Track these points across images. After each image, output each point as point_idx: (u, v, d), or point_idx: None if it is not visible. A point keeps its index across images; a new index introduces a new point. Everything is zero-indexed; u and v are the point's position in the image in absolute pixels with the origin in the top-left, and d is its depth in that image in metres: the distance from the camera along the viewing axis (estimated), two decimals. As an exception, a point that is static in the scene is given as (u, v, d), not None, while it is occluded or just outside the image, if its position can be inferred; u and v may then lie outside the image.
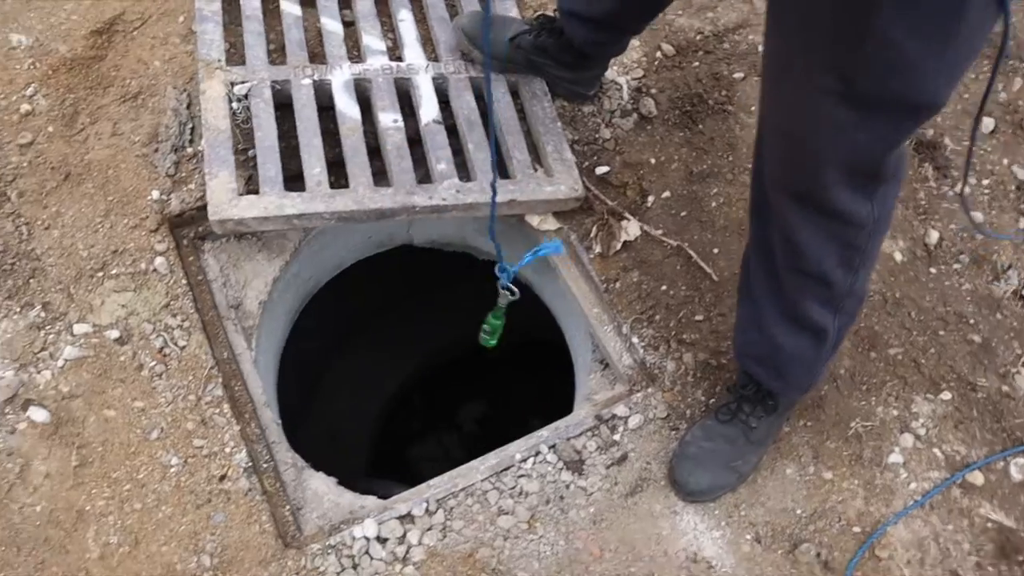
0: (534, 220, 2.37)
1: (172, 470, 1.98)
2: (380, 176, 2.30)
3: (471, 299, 4.56)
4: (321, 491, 2.12)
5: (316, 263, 2.67)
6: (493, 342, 2.18)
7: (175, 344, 2.13)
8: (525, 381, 4.77)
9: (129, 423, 2.02)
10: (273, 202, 2.14)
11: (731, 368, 2.20)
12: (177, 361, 2.11)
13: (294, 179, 2.28)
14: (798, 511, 2.03)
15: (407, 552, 1.95)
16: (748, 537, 2.00)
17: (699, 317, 2.26)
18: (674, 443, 2.11)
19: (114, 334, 2.11)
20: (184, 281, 2.23)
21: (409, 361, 4.91)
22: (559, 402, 4.62)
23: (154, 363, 2.09)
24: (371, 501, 2.13)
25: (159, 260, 2.22)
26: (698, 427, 2.05)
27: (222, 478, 1.99)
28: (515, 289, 2.05)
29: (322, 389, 4.73)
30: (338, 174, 2.29)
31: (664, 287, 2.30)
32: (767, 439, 2.04)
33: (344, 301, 3.27)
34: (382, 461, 4.69)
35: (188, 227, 2.34)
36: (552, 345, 4.64)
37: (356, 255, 2.80)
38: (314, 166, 2.22)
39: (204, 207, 2.31)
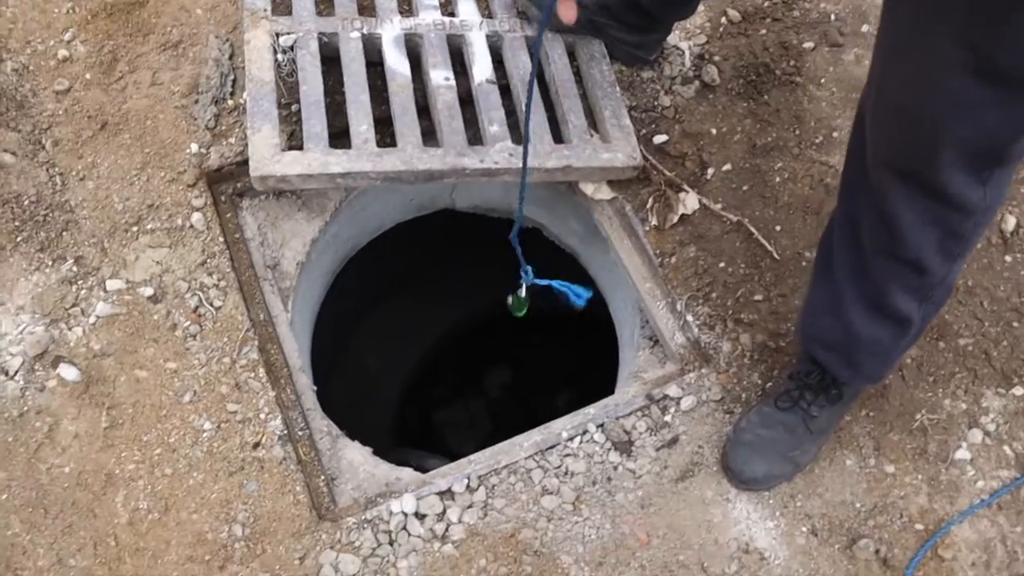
0: (588, 188, 2.24)
1: (204, 435, 1.89)
2: (429, 136, 2.17)
3: (505, 265, 4.48)
4: (356, 462, 2.03)
5: (356, 224, 2.56)
6: (520, 314, 2.08)
7: (210, 304, 2.03)
8: (557, 351, 4.67)
9: (161, 384, 1.93)
10: (317, 159, 2.02)
11: (790, 352, 2.07)
12: (212, 322, 2.01)
13: (339, 136, 2.16)
14: (857, 505, 1.91)
15: (446, 529, 1.85)
16: (804, 529, 1.89)
17: (758, 297, 2.13)
18: (728, 427, 1.99)
19: (148, 291, 2.01)
20: (221, 239, 2.12)
21: (439, 325, 4.81)
22: (592, 375, 4.53)
23: (188, 323, 2.00)
24: (408, 474, 2.03)
25: (196, 216, 2.11)
26: (755, 413, 1.93)
27: (256, 445, 1.90)
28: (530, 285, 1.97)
29: (350, 349, 4.65)
30: (385, 132, 2.17)
31: (722, 264, 2.17)
32: (828, 429, 1.92)
33: (377, 261, 3.17)
34: (407, 425, 4.62)
35: (226, 183, 2.23)
36: (589, 316, 4.56)
37: (396, 217, 2.69)
38: (361, 123, 2.10)
39: (244, 162, 2.20)
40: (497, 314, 4.98)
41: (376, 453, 2.13)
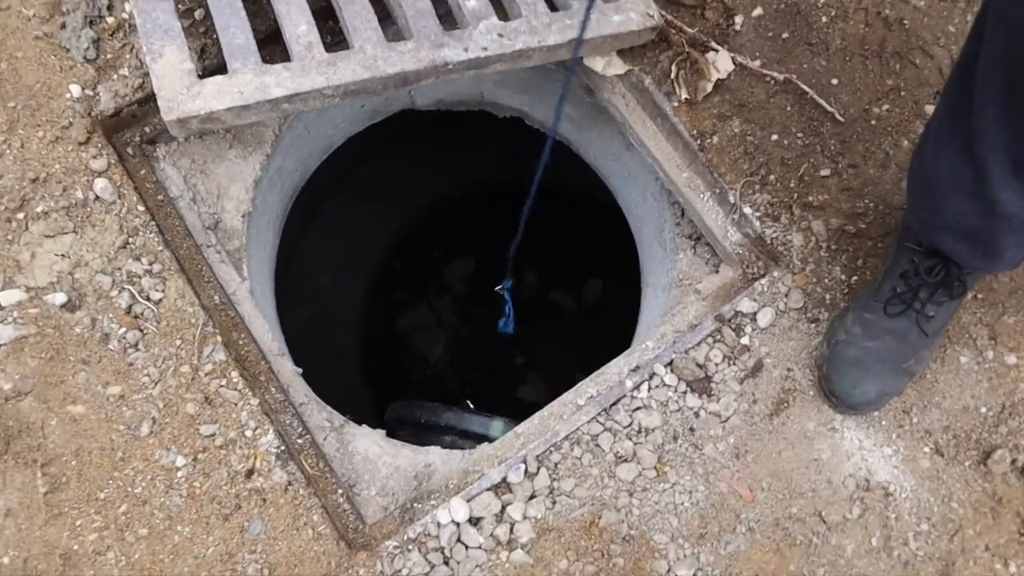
0: (597, 64, 1.73)
1: (180, 474, 1.42)
2: (389, 25, 1.62)
3: (457, 151, 3.94)
4: (372, 454, 1.59)
5: (302, 149, 2.00)
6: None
7: (147, 298, 1.50)
8: (524, 236, 4.23)
9: (106, 419, 1.43)
10: (251, 82, 1.46)
11: (872, 235, 1.67)
12: (155, 322, 1.49)
13: (269, 44, 1.59)
14: (982, 409, 1.57)
15: (511, 532, 1.46)
16: (926, 450, 1.55)
17: (824, 171, 1.70)
18: (816, 339, 1.61)
19: (59, 298, 1.46)
20: (140, 207, 1.57)
21: (387, 226, 4.30)
22: (564, 255, 4.11)
23: (123, 330, 1.48)
24: (437, 455, 1.61)
25: (100, 183, 1.54)
26: (854, 321, 1.54)
27: (249, 473, 1.44)
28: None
29: (296, 268, 4.14)
30: (332, 31, 1.60)
31: (775, 136, 1.72)
32: (944, 328, 1.55)
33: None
34: (373, 339, 4.19)
35: (130, 130, 1.64)
36: (556, 195, 4.10)
37: (348, 131, 2.13)
38: (298, 22, 1.52)
39: (147, 99, 1.62)
40: (448, 206, 4.48)
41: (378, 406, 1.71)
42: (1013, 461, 1.54)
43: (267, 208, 1.92)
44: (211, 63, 1.65)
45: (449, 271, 4.43)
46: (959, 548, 1.49)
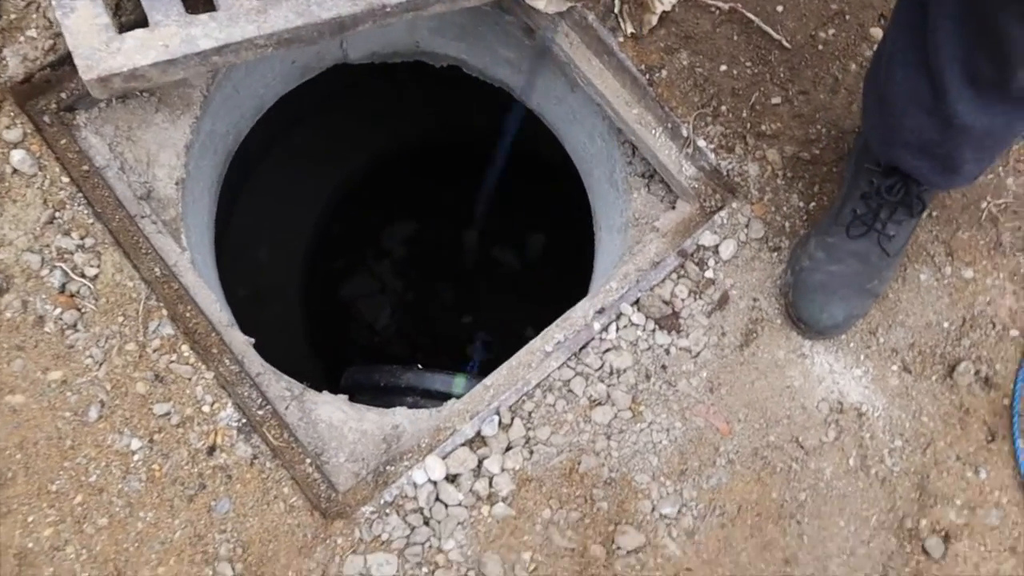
0: (538, 2, 1.65)
1: (136, 457, 1.31)
2: (318, -31, 1.51)
3: (389, 107, 3.80)
4: (336, 420, 1.51)
5: (233, 111, 1.87)
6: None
7: (81, 275, 1.38)
8: (454, 190, 4.16)
9: (50, 406, 1.31)
10: (175, 35, 1.34)
11: (827, 160, 1.64)
12: (93, 300, 1.38)
13: (188, -4, 1.47)
14: (945, 324, 1.57)
15: (490, 485, 1.40)
16: (894, 368, 1.55)
17: (776, 99, 1.66)
18: (778, 267, 1.58)
19: (-16, 280, 1.34)
20: (64, 178, 1.44)
21: (319, 191, 4.15)
22: (499, 209, 4.03)
23: (59, 311, 1.35)
24: (404, 415, 1.55)
25: (17, 155, 1.41)
26: (816, 246, 1.52)
27: (211, 450, 1.35)
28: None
29: (232, 240, 3.97)
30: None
31: (724, 67, 1.67)
32: (904, 247, 1.53)
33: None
34: (317, 309, 4.06)
35: (45, 96, 1.50)
36: (494, 149, 4.00)
37: (279, 89, 2.00)
38: (220, -31, 1.40)
39: (62, 61, 1.49)
40: (383, 165, 4.34)
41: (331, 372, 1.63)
42: (976, 372, 1.55)
43: (201, 175, 1.80)
44: (128, 19, 1.51)
45: (388, 235, 4.32)
46: (932, 460, 1.50)
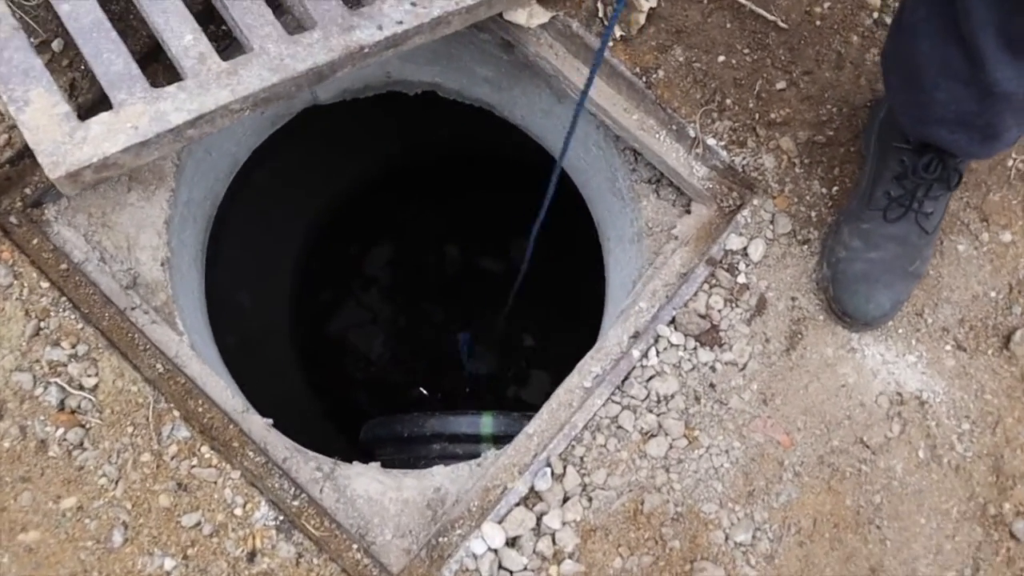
0: (519, 16, 1.53)
1: (173, 577, 1.20)
2: (282, 15, 1.38)
3: (353, 138, 3.67)
4: (374, 493, 1.40)
5: (208, 175, 1.74)
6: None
7: (80, 387, 1.25)
8: (434, 210, 4.04)
9: (68, 538, 1.19)
10: (143, 113, 1.20)
11: (843, 140, 1.55)
12: (97, 412, 1.25)
13: (147, 63, 1.34)
14: (992, 294, 1.49)
15: (554, 543, 1.30)
16: (948, 348, 1.46)
17: (780, 84, 1.56)
18: (811, 260, 1.49)
19: (-26, 412, 1.21)
20: (44, 283, 1.30)
21: (296, 229, 4.01)
22: (479, 219, 3.91)
23: (61, 430, 1.23)
24: (443, 476, 1.44)
25: (-12, 267, 1.28)
26: (851, 234, 1.43)
27: (251, 556, 1.23)
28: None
29: (213, 291, 3.84)
30: (218, 36, 1.36)
31: (722, 57, 1.57)
32: (940, 222, 1.45)
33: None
34: (308, 348, 3.93)
35: (8, 195, 1.36)
36: (470, 160, 3.87)
37: (251, 144, 1.88)
38: (182, 33, 1.27)
39: (20, 156, 1.36)
40: (353, 194, 4.20)
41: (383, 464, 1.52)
42: (1032, 339, 1.47)
43: (184, 248, 1.67)
44: (86, 99, 1.38)
45: (369, 261, 4.20)
46: (1003, 439, 1.42)
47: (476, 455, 1.91)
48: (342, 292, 4.11)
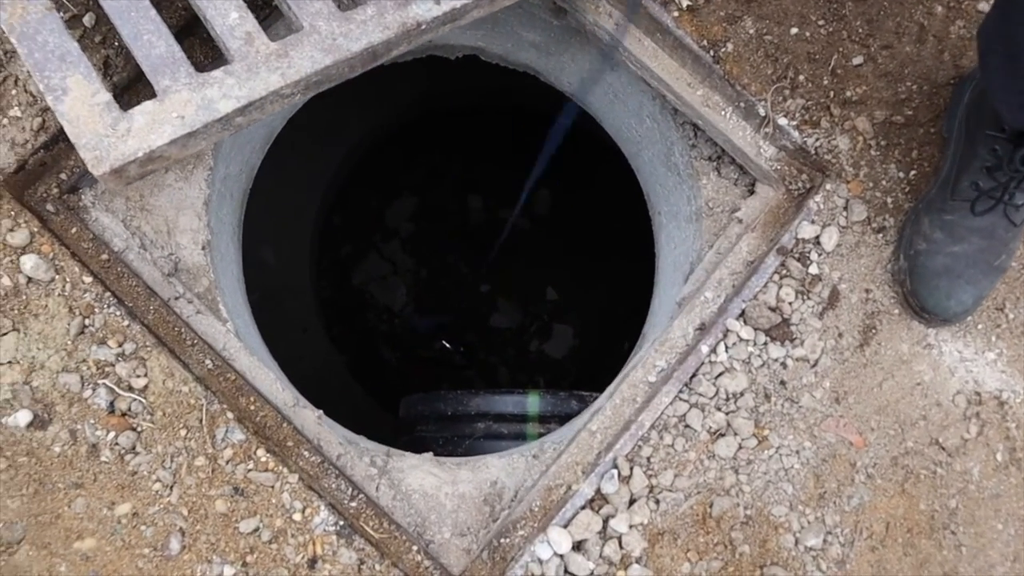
0: (583, -12, 1.42)
1: (233, 587, 1.16)
2: (332, -9, 1.27)
3: (372, 86, 3.54)
4: (429, 487, 1.35)
5: (243, 148, 1.65)
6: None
7: (129, 388, 1.19)
8: (452, 158, 3.94)
9: (125, 546, 1.14)
10: (190, 101, 1.11)
11: (922, 120, 1.45)
12: (148, 414, 1.19)
13: (182, 35, 1.24)
14: (1076, 285, 1.42)
15: (620, 547, 1.25)
16: (1029, 343, 1.39)
17: (857, 59, 1.45)
18: (886, 250, 1.40)
19: (21, 417, 1.14)
20: (86, 277, 1.23)
21: (318, 182, 3.92)
22: (500, 170, 3.81)
23: (112, 434, 1.17)
24: (495, 467, 1.39)
25: (28, 261, 1.20)
26: (932, 225, 1.34)
27: (312, 563, 1.18)
28: None
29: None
30: (257, 7, 1.25)
31: (795, 30, 1.46)
32: (1030, 211, 1.36)
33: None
34: (332, 302, 3.87)
35: (44, 181, 1.27)
36: (487, 111, 3.74)
37: (287, 113, 1.78)
38: (226, 10, 1.16)
39: (55, 140, 1.26)
40: (374, 145, 4.08)
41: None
42: (1116, 333, 1.40)
43: (223, 227, 1.59)
44: (121, 78, 1.28)
45: (391, 214, 4.11)
46: (1084, 442, 1.36)
47: (522, 434, 1.88)
48: (364, 245, 4.04)
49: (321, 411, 1.40)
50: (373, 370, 3.88)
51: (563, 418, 1.81)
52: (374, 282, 4.00)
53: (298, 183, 3.75)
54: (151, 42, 1.14)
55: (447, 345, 3.91)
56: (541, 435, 1.72)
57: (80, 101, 1.09)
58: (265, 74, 1.15)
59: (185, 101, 1.12)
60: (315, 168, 3.80)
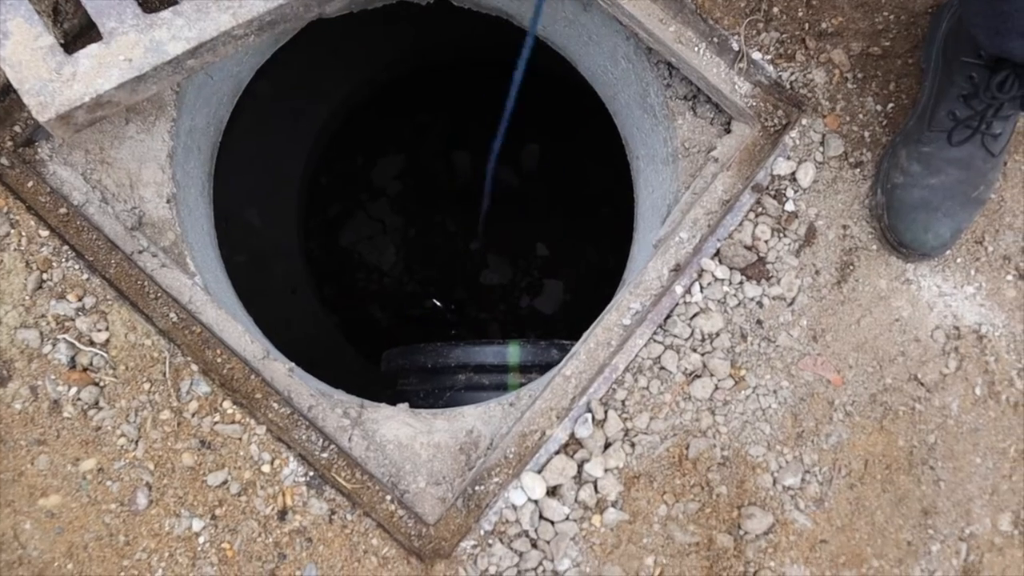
0: (547, -81, 1.36)
1: (202, 539, 1.13)
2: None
3: (354, 43, 3.46)
4: (404, 437, 1.33)
5: (209, 100, 1.60)
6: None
7: (90, 343, 1.16)
8: (436, 115, 3.87)
9: (91, 501, 1.12)
10: (137, 43, 1.07)
11: (900, 52, 1.40)
12: (111, 369, 1.16)
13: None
14: (1057, 217, 1.38)
15: (596, 491, 1.23)
16: (1009, 278, 1.35)
17: (833, -11, 1.41)
18: (863, 185, 1.36)
19: (-20, 374, 1.12)
20: (43, 230, 1.19)
21: (303, 139, 3.85)
22: (486, 126, 3.76)
23: (74, 389, 1.14)
24: (471, 416, 1.37)
25: (-19, 216, 1.16)
26: (909, 158, 1.30)
27: (282, 514, 1.16)
28: None
29: (220, 210, 3.71)
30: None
31: (769, -39, 1.41)
32: (1008, 143, 1.31)
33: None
34: (321, 263, 3.83)
35: (-6, 135, 1.24)
36: (473, 64, 3.67)
37: (254, 63, 1.72)
38: (173, -51, 1.12)
39: (5, 92, 1.21)
40: (358, 104, 4.01)
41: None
42: (1098, 266, 1.36)
43: (190, 181, 1.54)
44: (72, 25, 1.23)
45: (378, 172, 4.05)
46: (1064, 374, 1.33)
47: (503, 385, 1.85)
48: (351, 204, 3.99)
49: (293, 364, 1.38)
50: (364, 330, 3.85)
51: (544, 367, 1.78)
52: (363, 242, 3.96)
53: (283, 143, 3.69)
54: (95, -18, 1.09)
55: (437, 303, 3.88)
56: (522, 385, 1.69)
57: (22, 45, 1.05)
58: (216, 14, 1.11)
59: (133, 43, 1.07)
60: (300, 128, 3.73)
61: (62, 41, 1.08)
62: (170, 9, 1.10)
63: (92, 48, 1.06)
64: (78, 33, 1.24)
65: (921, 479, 1.28)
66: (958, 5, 1.29)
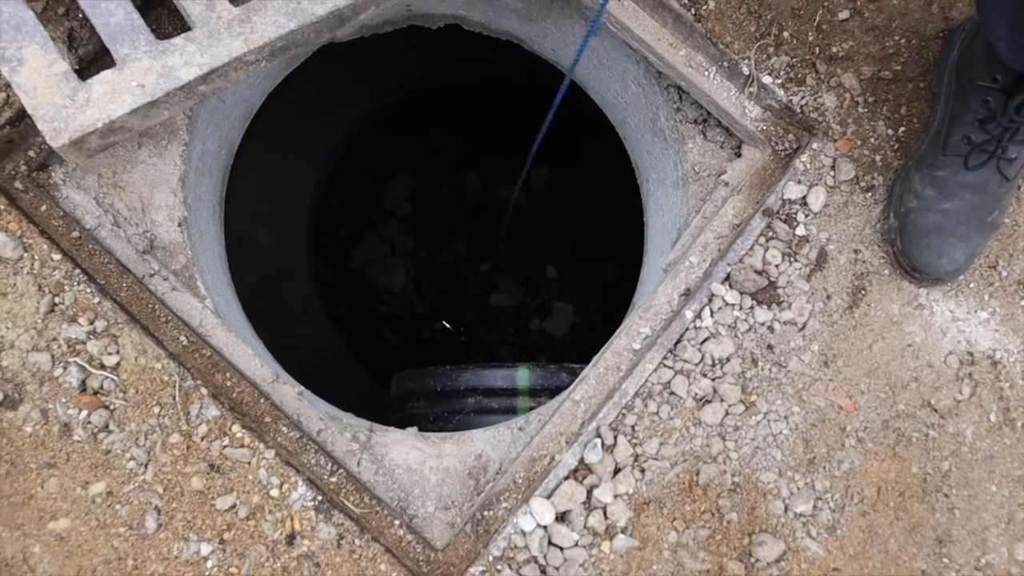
0: (557, -54, 1.38)
1: (210, 563, 1.13)
2: (299, -46, 1.23)
3: (370, 62, 3.49)
4: (413, 462, 1.33)
5: (221, 124, 1.62)
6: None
7: (101, 366, 1.17)
8: (451, 139, 3.89)
9: (100, 525, 1.12)
10: (150, 70, 1.08)
11: (911, 75, 1.40)
12: (121, 392, 1.17)
13: (150, 10, 1.21)
14: (1070, 240, 1.37)
15: (605, 517, 1.22)
16: (1023, 303, 1.35)
17: (843, 14, 1.41)
18: (875, 209, 1.36)
19: (-9, 397, 1.13)
20: (56, 254, 1.20)
21: (314, 163, 3.88)
22: (496, 149, 3.77)
23: (84, 412, 1.14)
24: (480, 440, 1.36)
25: (-5, 239, 1.18)
26: (923, 182, 1.29)
27: (290, 539, 1.16)
28: None
29: (231, 232, 3.74)
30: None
31: (778, -15, 1.42)
32: (1023, 168, 1.31)
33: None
34: (331, 284, 3.85)
35: (11, 159, 1.24)
36: (484, 88, 3.70)
37: (266, 87, 1.75)
38: (186, -23, 1.13)
39: (20, 116, 1.23)
40: (367, 127, 4.04)
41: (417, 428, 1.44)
42: (1113, 290, 1.35)
43: (201, 204, 1.56)
44: (87, 51, 1.25)
45: (388, 194, 4.07)
46: (1080, 401, 1.32)
47: (512, 408, 1.85)
48: (362, 226, 4.01)
49: (302, 387, 1.38)
50: (374, 351, 3.85)
51: (554, 391, 1.78)
52: (373, 263, 3.98)
53: (294, 164, 3.72)
54: (109, 9, 1.10)
55: (447, 325, 3.88)
56: (532, 409, 1.69)
57: (37, 71, 1.06)
58: (227, 40, 1.12)
59: (145, 69, 1.08)
60: (310, 149, 3.76)
61: (76, 67, 1.10)
62: (182, 35, 1.11)
63: (105, 74, 1.07)
64: (92, 59, 1.26)
65: (935, 507, 1.27)
66: (971, 30, 1.29)
